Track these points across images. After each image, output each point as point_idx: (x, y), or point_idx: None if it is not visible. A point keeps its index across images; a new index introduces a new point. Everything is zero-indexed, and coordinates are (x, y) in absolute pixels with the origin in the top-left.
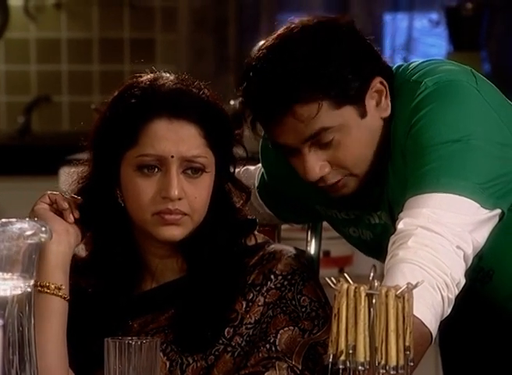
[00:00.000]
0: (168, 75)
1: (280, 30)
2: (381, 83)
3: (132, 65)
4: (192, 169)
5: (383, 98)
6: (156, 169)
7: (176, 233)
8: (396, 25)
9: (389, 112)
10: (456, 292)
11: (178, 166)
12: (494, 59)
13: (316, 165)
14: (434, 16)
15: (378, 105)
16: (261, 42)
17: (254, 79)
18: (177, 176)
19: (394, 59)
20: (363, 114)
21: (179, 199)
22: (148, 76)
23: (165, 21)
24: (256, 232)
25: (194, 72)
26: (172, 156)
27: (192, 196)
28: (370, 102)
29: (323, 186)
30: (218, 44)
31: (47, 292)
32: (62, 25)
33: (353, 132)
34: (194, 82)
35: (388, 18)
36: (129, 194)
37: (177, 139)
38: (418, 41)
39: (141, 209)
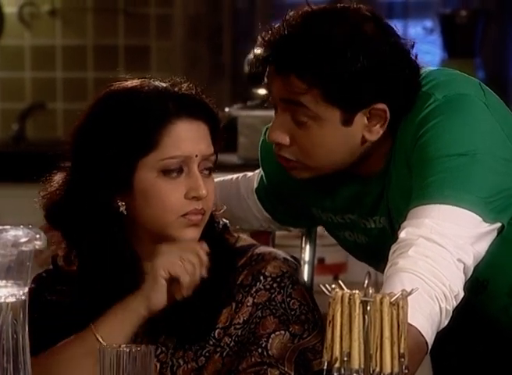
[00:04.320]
0: (157, 81)
1: (332, 4)
2: (384, 111)
3: (126, 72)
4: (206, 168)
5: (378, 125)
6: (180, 172)
7: (196, 234)
8: None
9: (374, 138)
10: (455, 304)
11: (198, 166)
12: (488, 67)
13: (280, 128)
14: (428, 23)
15: (368, 127)
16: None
17: (279, 29)
18: (200, 175)
19: None
20: (346, 122)
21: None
22: (134, 83)
23: (159, 28)
24: (250, 238)
25: (189, 79)
26: (196, 155)
27: (210, 194)
28: (361, 118)
29: (277, 155)
30: (212, 51)
31: None
32: (56, 32)
33: (327, 130)
34: (185, 82)
35: None
36: (150, 199)
37: (198, 138)
38: None
39: (166, 212)
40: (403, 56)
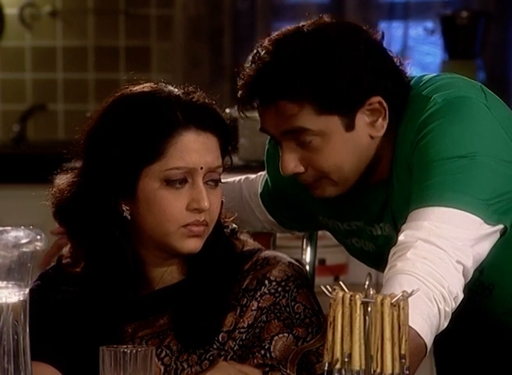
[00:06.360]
0: (170, 87)
1: (295, 25)
2: (380, 103)
3: (127, 73)
4: (212, 180)
5: (380, 119)
6: (184, 183)
7: (198, 245)
8: (391, 33)
9: (381, 133)
10: (454, 306)
11: (202, 178)
12: (489, 68)
13: (291, 161)
14: (429, 24)
15: (371, 124)
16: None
17: (252, 64)
18: (204, 188)
19: None
20: (349, 127)
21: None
22: (146, 88)
23: (160, 29)
24: (251, 239)
25: (190, 80)
26: (202, 168)
27: (213, 206)
28: (361, 118)
29: (300, 182)
30: (213, 52)
31: None
32: (57, 33)
33: (334, 141)
34: (198, 92)
35: (383, 26)
36: (151, 207)
37: (204, 150)
38: (413, 49)
39: (168, 222)
40: (377, 48)
